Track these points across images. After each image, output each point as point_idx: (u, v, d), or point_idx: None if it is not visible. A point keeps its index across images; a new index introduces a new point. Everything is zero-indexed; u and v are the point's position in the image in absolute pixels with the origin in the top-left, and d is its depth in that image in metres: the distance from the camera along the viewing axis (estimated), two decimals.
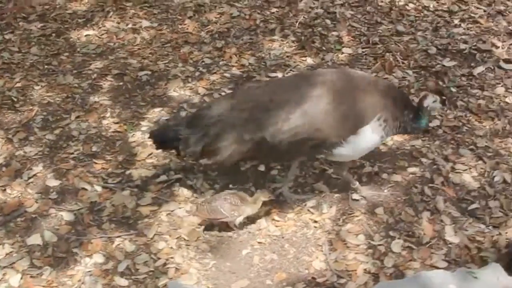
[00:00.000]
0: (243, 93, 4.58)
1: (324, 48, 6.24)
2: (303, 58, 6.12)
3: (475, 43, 6.34)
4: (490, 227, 4.64)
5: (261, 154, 4.41)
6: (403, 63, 6.08)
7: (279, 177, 4.88)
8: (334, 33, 6.45)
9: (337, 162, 4.68)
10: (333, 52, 6.21)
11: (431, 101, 4.54)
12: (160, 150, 4.95)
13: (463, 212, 4.77)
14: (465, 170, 5.07)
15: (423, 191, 4.91)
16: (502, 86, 5.87)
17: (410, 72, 5.96)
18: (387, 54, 6.14)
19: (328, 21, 6.60)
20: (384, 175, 4.98)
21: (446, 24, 6.60)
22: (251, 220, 4.65)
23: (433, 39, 6.40)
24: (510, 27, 6.57)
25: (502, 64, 6.11)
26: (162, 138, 4.52)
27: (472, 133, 5.43)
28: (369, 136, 4.25)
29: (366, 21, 6.67)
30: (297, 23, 6.55)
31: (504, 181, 4.99)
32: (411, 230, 4.61)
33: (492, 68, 6.04)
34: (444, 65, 6.07)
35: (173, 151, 4.74)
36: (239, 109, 4.24)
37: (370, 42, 6.32)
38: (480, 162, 5.14)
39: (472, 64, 6.09)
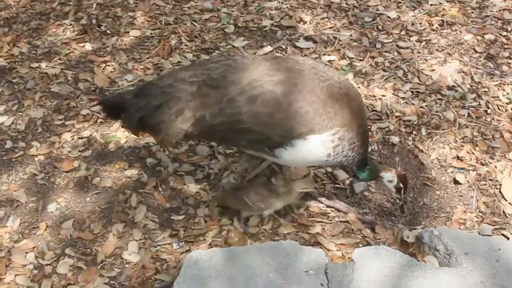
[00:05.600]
0: (200, 65, 3.97)
1: (109, 31, 5.52)
2: (81, 44, 5.42)
3: (279, 19, 5.38)
4: (183, 243, 3.86)
5: (200, 134, 3.84)
6: (186, 45, 5.23)
7: None
8: (131, 14, 5.71)
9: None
10: (119, 36, 5.39)
11: (387, 178, 3.93)
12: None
13: (163, 224, 3.99)
14: (190, 171, 4.26)
15: (129, 199, 4.10)
16: None
17: (190, 55, 5.19)
18: (172, 35, 5.29)
19: (131, 0, 5.85)
20: (96, 180, 4.22)
21: None
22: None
23: (239, 15, 5.55)
24: None
25: (301, 42, 5.28)
26: (109, 105, 4.07)
27: None
28: (316, 148, 3.61)
29: None
30: (95, 4, 5.74)
31: None
32: (91, 247, 3.88)
33: (284, 47, 5.15)
34: (233, 46, 5.21)
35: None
36: (189, 81, 3.68)
37: (163, 22, 5.47)
38: (214, 161, 4.29)
39: (264, 44, 5.20)
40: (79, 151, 4.54)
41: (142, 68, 5.13)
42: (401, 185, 3.86)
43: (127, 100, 3.88)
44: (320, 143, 3.59)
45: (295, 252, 3.61)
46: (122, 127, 4.31)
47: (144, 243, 3.96)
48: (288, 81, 3.60)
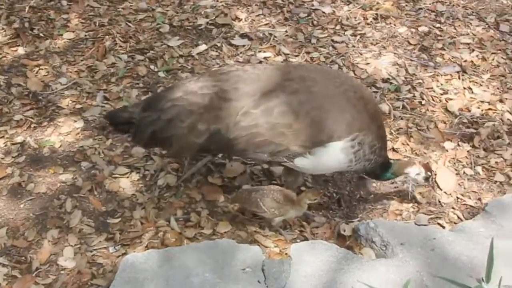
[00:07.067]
0: (211, 76, 3.80)
1: (42, 35, 5.39)
2: (14, 49, 5.29)
3: (214, 17, 5.34)
4: (119, 246, 3.79)
5: (217, 149, 3.82)
6: (120, 46, 5.15)
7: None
8: (65, 16, 5.60)
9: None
10: (52, 39, 5.28)
11: (414, 172, 3.91)
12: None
13: (98, 227, 3.92)
14: (126, 174, 4.18)
15: (64, 204, 4.01)
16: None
17: (124, 56, 5.11)
18: (107, 37, 5.21)
19: (64, 3, 5.73)
20: (30, 186, 4.12)
21: None
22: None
23: (174, 14, 5.49)
24: None
25: (236, 39, 5.24)
26: (116, 120, 3.95)
27: None
28: (336, 154, 3.59)
29: None
30: (28, 7, 5.62)
31: (167, 186, 4.11)
32: (25, 254, 3.79)
33: (219, 45, 5.11)
34: (168, 45, 5.15)
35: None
36: (200, 93, 3.61)
37: (97, 24, 5.37)
38: (149, 162, 4.24)
39: (200, 42, 5.15)
40: (12, 157, 4.45)
41: (76, 71, 5.08)
42: (429, 173, 3.91)
43: (136, 114, 3.80)
44: (340, 150, 3.59)
45: (232, 250, 3.59)
46: (131, 141, 4.21)
47: (80, 248, 3.91)
48: (303, 90, 3.58)
